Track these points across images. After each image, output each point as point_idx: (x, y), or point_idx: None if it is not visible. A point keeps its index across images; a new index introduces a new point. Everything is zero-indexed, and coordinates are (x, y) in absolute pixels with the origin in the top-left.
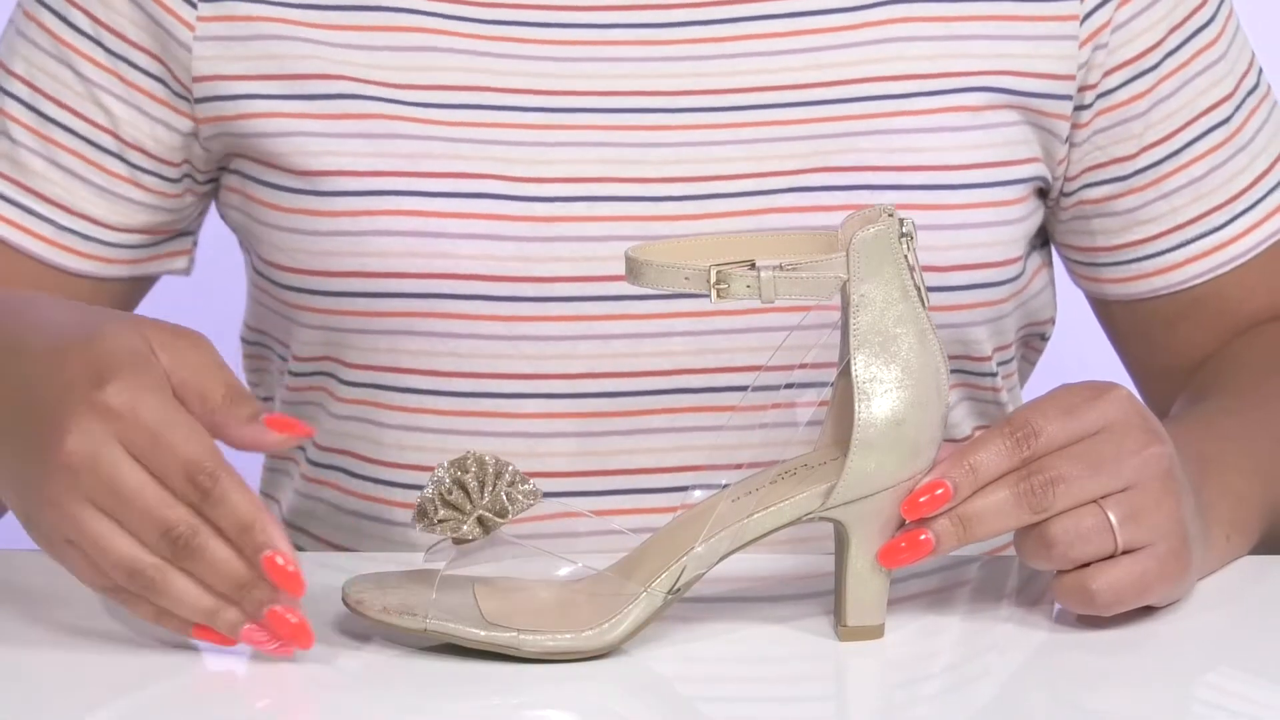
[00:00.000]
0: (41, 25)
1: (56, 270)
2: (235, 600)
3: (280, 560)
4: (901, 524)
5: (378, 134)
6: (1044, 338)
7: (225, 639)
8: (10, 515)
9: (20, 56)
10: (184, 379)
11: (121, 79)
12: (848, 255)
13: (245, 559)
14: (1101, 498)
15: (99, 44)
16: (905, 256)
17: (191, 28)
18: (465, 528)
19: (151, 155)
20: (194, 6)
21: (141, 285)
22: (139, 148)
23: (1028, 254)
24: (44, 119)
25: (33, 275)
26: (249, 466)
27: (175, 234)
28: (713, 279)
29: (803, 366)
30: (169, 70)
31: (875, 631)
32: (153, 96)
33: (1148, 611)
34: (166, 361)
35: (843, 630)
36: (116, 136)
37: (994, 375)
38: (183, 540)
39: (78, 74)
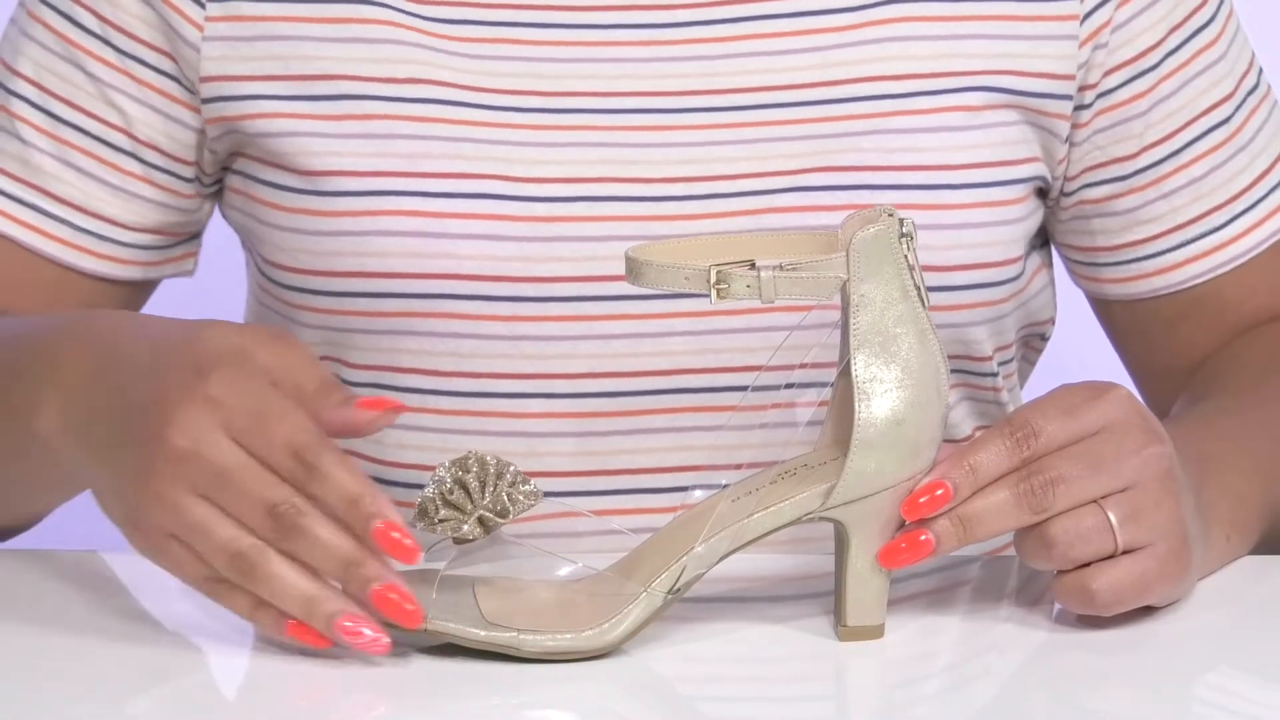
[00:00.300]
0: (47, 25)
1: (71, 271)
2: (343, 579)
3: (394, 533)
4: (901, 524)
5: (379, 134)
6: (1044, 338)
7: (319, 639)
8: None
9: (26, 57)
10: (280, 375)
11: (133, 78)
12: (848, 255)
13: (352, 537)
14: (1101, 498)
15: (108, 43)
16: (905, 256)
17: (200, 28)
18: (466, 528)
19: (166, 153)
20: (202, 6)
21: (147, 290)
22: (153, 146)
23: (1027, 254)
24: (55, 120)
25: (47, 277)
26: None
27: (187, 236)
28: (713, 279)
29: (803, 366)
30: (180, 69)
31: (875, 631)
32: (166, 94)
33: (1148, 612)
34: (264, 358)
35: (843, 630)
36: (130, 135)
37: (994, 375)
38: (288, 518)
39: (88, 74)
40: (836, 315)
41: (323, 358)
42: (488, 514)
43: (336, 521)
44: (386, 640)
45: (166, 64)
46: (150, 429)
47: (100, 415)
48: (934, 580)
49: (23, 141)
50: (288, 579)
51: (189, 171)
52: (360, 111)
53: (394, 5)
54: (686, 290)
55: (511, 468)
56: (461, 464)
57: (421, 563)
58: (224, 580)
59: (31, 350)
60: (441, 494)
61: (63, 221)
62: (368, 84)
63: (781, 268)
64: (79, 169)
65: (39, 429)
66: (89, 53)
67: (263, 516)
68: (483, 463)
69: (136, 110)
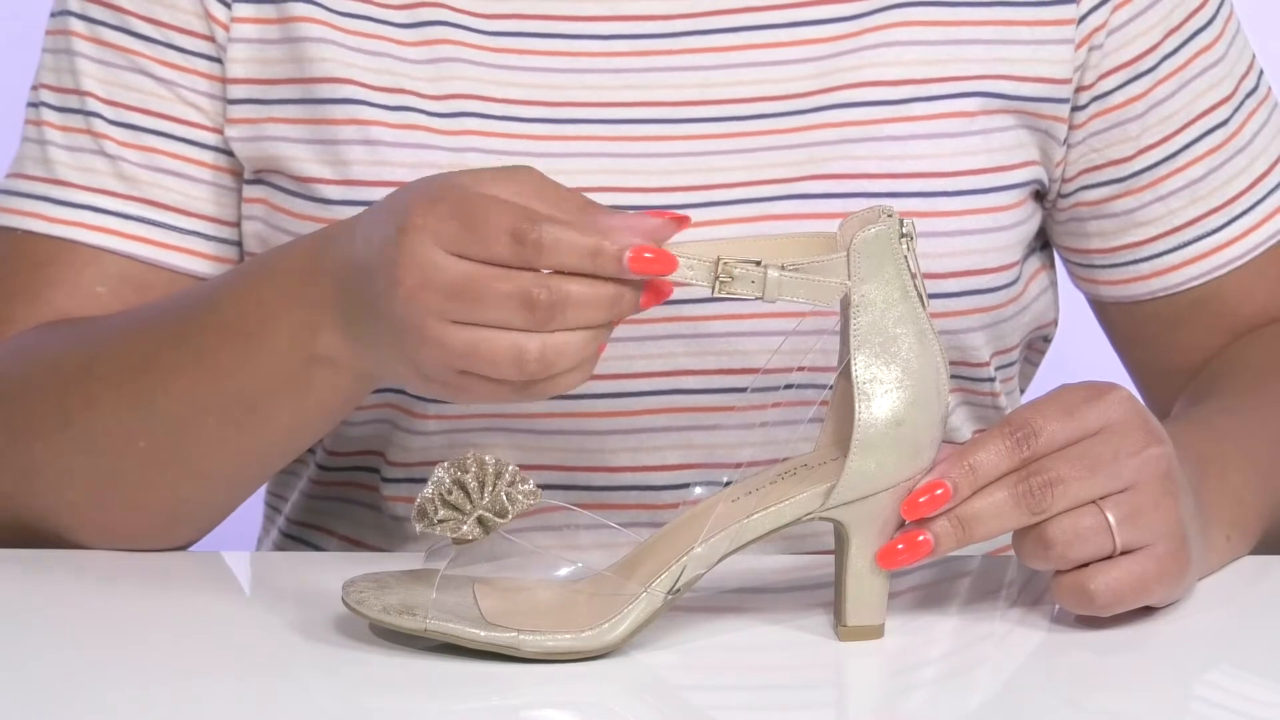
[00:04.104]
0: (102, 42)
1: (185, 276)
2: (617, 315)
3: (646, 254)
4: (901, 524)
5: (379, 142)
6: (1047, 339)
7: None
8: None
9: (90, 77)
10: (528, 198)
11: (201, 74)
12: (848, 256)
13: (606, 280)
14: (1100, 498)
15: (171, 46)
16: (905, 257)
17: (227, 28)
18: (465, 528)
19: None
20: (228, 7)
21: None
22: None
23: (1025, 258)
24: (137, 130)
25: (154, 286)
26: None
27: None
28: (718, 272)
29: (800, 369)
30: (224, 64)
31: (875, 631)
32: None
33: (1147, 611)
34: (481, 187)
35: (843, 630)
36: (216, 131)
37: (992, 380)
38: (544, 302)
39: (158, 79)
40: (833, 321)
41: None
42: (487, 514)
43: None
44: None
45: (219, 53)
46: (383, 286)
47: (359, 309)
48: (934, 580)
49: (110, 158)
50: (574, 344)
51: None
52: (362, 118)
53: (397, 20)
54: (689, 281)
55: (510, 467)
56: (460, 464)
57: (421, 563)
58: (530, 383)
59: (258, 299)
60: (440, 494)
61: (171, 228)
62: (370, 91)
63: (786, 268)
64: (173, 173)
65: (321, 351)
66: (154, 59)
67: (519, 312)
68: (481, 463)
69: (212, 105)
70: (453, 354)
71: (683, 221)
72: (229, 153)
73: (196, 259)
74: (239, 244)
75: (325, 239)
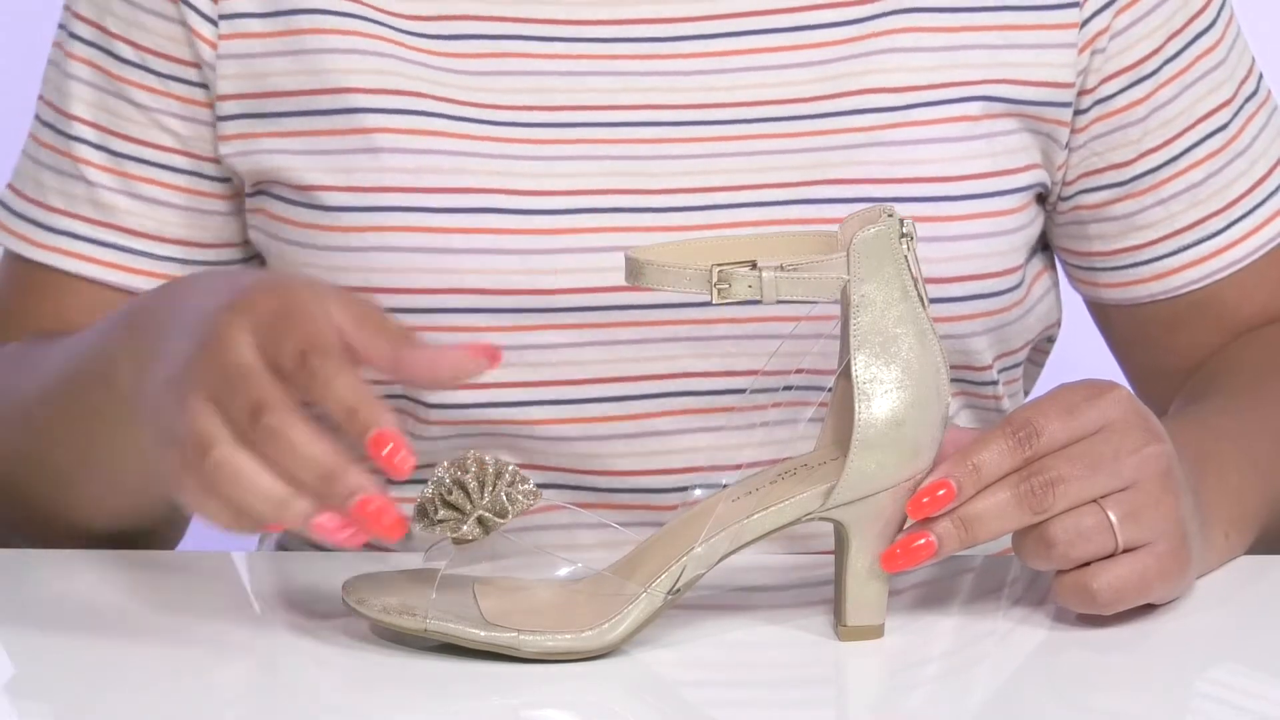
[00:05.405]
0: (88, 63)
1: None
2: (322, 493)
3: (387, 445)
4: (902, 525)
5: (382, 149)
6: (1051, 340)
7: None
8: None
9: (76, 99)
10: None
11: (177, 98)
12: (848, 255)
13: (333, 452)
14: (1101, 497)
15: (148, 70)
16: (905, 256)
17: (214, 46)
18: (465, 528)
19: (225, 163)
20: (215, 25)
21: None
22: (212, 159)
23: (1028, 261)
24: (114, 155)
25: None
26: None
27: None
28: (714, 279)
29: (799, 372)
30: (208, 83)
31: (875, 631)
32: (208, 106)
33: (1148, 610)
34: (323, 300)
35: (843, 630)
36: (188, 155)
37: (995, 384)
38: (263, 425)
39: (135, 104)
40: (831, 324)
41: None
42: (487, 514)
43: (329, 431)
44: (399, 531)
45: (198, 76)
46: (189, 338)
47: (156, 344)
48: (934, 580)
49: (89, 183)
50: (259, 479)
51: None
52: (361, 126)
53: (393, 24)
54: (687, 290)
55: (510, 467)
56: (460, 464)
57: (421, 563)
58: (203, 481)
59: (111, 328)
60: (440, 494)
61: (143, 254)
62: (370, 97)
63: (783, 268)
64: (147, 199)
65: (120, 387)
66: (131, 82)
67: (248, 417)
68: (481, 463)
69: (188, 129)
70: (177, 413)
71: (494, 358)
72: (204, 176)
73: None
74: (231, 261)
75: (183, 287)
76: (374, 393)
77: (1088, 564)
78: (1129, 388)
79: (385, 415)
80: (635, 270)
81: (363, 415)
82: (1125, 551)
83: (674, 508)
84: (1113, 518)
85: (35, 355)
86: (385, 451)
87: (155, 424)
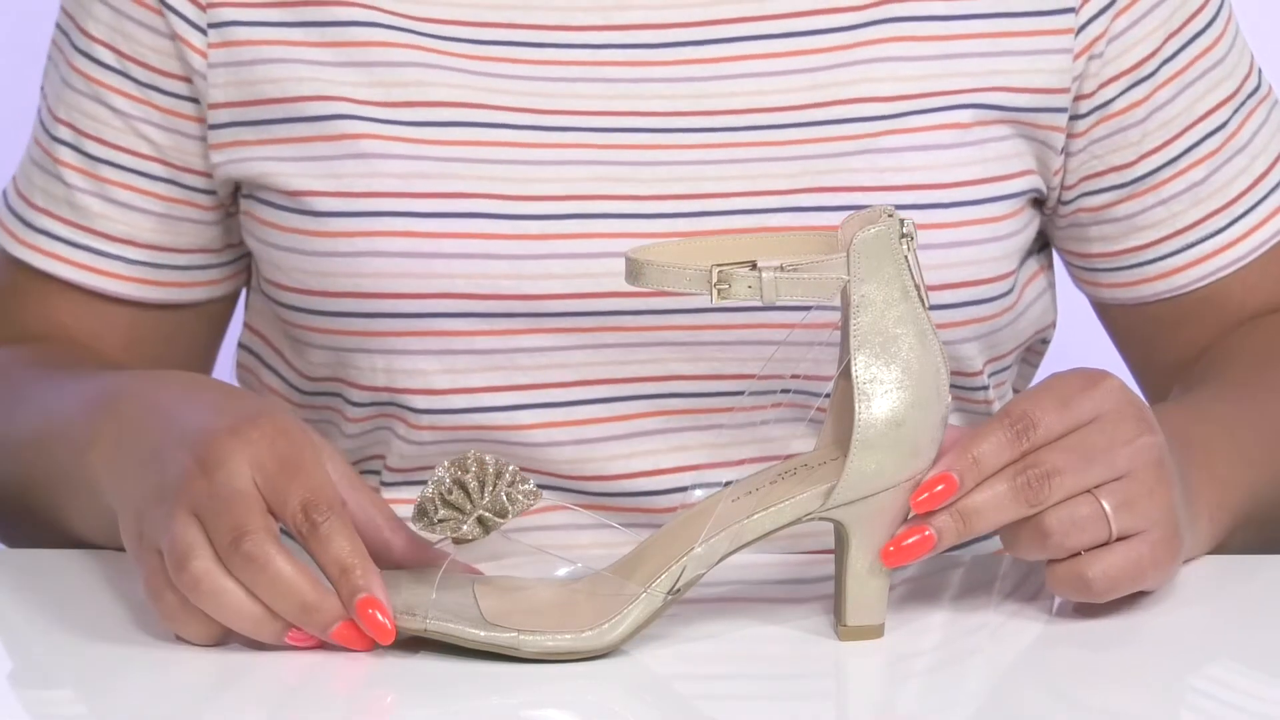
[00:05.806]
0: (73, 68)
1: (140, 306)
2: (302, 623)
3: (375, 611)
4: (901, 524)
5: (371, 154)
6: (1045, 341)
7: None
8: None
9: (63, 102)
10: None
11: (155, 107)
12: (848, 256)
13: (314, 584)
14: (1095, 487)
15: (128, 76)
16: (905, 257)
17: (204, 55)
18: (465, 528)
19: (203, 174)
20: (204, 34)
21: (229, 304)
22: (190, 169)
23: (1020, 266)
24: (91, 159)
25: (120, 316)
26: None
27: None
28: (714, 279)
29: (794, 377)
30: (199, 93)
31: (875, 631)
32: (190, 118)
33: (1144, 607)
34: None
35: (843, 630)
36: (165, 163)
37: (985, 389)
38: (244, 549)
39: (113, 109)
40: (826, 332)
41: (330, 378)
42: (487, 514)
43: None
44: (387, 638)
45: (186, 88)
46: (187, 455)
47: (146, 442)
48: (933, 579)
49: (67, 185)
50: (235, 598)
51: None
52: (352, 132)
53: (387, 24)
54: (687, 290)
55: (510, 467)
56: (460, 464)
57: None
58: (180, 602)
59: (93, 406)
60: (440, 494)
61: (116, 258)
62: (359, 105)
63: (783, 268)
64: (121, 204)
65: (91, 466)
66: (111, 88)
67: (229, 540)
68: (481, 463)
69: (164, 138)
70: (164, 531)
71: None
72: (180, 185)
73: (149, 287)
74: (206, 267)
75: (181, 403)
76: (368, 557)
77: (1081, 553)
78: (1127, 380)
79: (375, 580)
80: (635, 270)
81: (354, 577)
82: (1119, 540)
83: (662, 511)
84: (1107, 507)
85: (23, 383)
86: (369, 614)
87: (136, 524)
